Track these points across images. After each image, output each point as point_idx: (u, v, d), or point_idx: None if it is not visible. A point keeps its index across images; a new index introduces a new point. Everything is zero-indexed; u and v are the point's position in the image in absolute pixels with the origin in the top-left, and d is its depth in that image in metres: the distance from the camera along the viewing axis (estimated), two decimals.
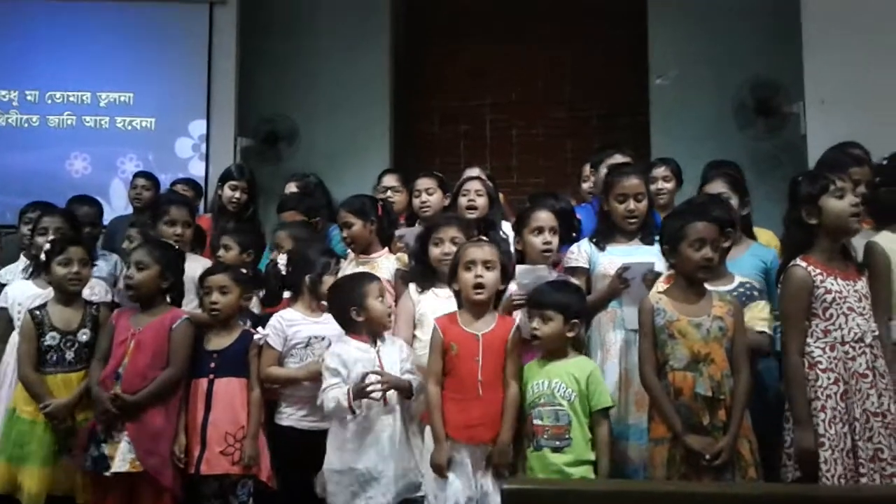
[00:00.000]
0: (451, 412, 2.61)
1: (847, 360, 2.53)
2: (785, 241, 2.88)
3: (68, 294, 3.10)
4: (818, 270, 2.58)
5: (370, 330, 2.78)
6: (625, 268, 2.89)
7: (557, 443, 2.52)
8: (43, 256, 3.15)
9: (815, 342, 2.56)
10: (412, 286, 3.07)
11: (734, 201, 3.14)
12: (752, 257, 3.05)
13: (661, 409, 2.50)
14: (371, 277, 2.88)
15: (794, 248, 2.69)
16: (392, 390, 2.67)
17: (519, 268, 2.94)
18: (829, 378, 2.51)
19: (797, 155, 4.80)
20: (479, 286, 2.67)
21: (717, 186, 3.22)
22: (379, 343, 2.78)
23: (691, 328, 2.51)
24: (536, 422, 2.56)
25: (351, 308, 2.78)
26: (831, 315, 2.56)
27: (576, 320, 2.62)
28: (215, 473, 2.85)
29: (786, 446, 2.58)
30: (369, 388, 2.62)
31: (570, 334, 2.61)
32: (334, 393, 2.66)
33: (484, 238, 2.93)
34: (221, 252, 3.47)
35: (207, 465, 2.85)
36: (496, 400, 2.61)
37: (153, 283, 3.02)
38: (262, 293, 3.30)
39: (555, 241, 3.02)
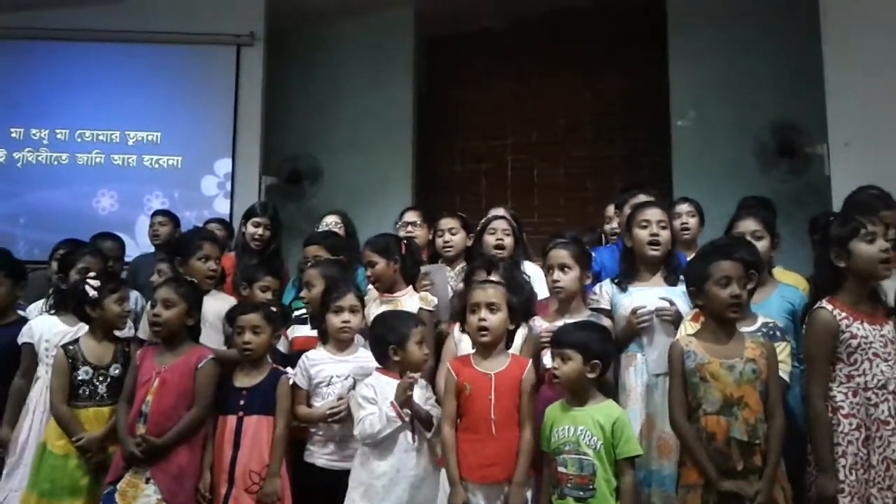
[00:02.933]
0: (465, 453, 2.60)
1: (869, 406, 2.50)
2: (811, 282, 2.86)
3: (112, 330, 3.15)
4: (844, 314, 2.55)
5: (403, 371, 2.77)
6: (639, 307, 2.90)
7: (581, 493, 2.46)
8: (93, 293, 3.15)
9: (837, 387, 2.53)
10: (456, 327, 3.07)
11: (766, 241, 3.13)
12: (779, 298, 3.03)
13: (695, 455, 2.44)
14: (415, 320, 2.88)
15: (821, 289, 2.66)
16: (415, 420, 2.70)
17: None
18: (850, 424, 2.48)
19: (821, 196, 4.78)
20: (482, 329, 2.68)
21: (750, 224, 3.18)
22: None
23: (723, 371, 2.46)
24: (560, 469, 2.50)
25: (390, 346, 2.80)
26: (855, 360, 2.53)
27: (597, 361, 2.54)
28: None
29: (808, 491, 2.54)
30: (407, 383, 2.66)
31: (591, 375, 2.54)
32: (373, 418, 2.68)
33: (490, 280, 2.92)
34: (258, 292, 3.48)
35: (235, 502, 2.84)
36: (511, 439, 2.60)
37: (180, 320, 3.03)
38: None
39: (565, 278, 2.99)
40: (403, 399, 2.66)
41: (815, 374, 2.56)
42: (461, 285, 3.29)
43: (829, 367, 2.54)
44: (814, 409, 2.53)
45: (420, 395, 2.76)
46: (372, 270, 3.34)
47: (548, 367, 2.76)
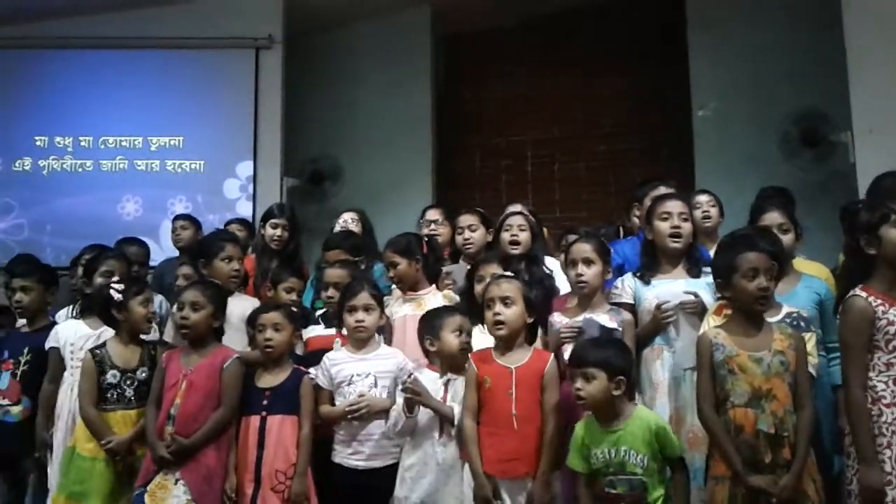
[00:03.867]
0: (486, 447, 2.61)
1: None
2: (843, 270, 2.81)
3: (139, 333, 3.18)
4: (879, 301, 2.50)
5: (443, 362, 2.82)
6: (664, 302, 2.88)
7: None
8: (118, 296, 3.18)
9: (877, 376, 2.47)
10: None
11: (791, 234, 3.10)
12: (806, 289, 3.00)
13: (722, 448, 2.42)
14: (453, 312, 2.91)
15: (853, 277, 2.62)
16: (431, 413, 2.74)
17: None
18: (893, 413, 2.42)
19: (846, 184, 4.71)
20: (497, 323, 2.69)
21: (776, 217, 3.16)
22: (450, 376, 2.81)
23: (751, 363, 2.44)
24: (609, 490, 2.44)
25: (426, 337, 2.85)
26: (894, 347, 2.47)
27: (621, 377, 2.45)
28: None
29: (847, 484, 2.49)
30: (404, 388, 2.71)
31: (616, 392, 2.45)
32: (394, 412, 2.77)
33: (506, 274, 2.92)
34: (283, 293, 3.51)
35: (262, 502, 2.86)
36: (531, 434, 2.60)
37: (207, 322, 3.06)
38: None
39: (589, 272, 2.96)
40: (407, 399, 2.70)
41: (853, 363, 2.50)
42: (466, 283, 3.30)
43: (867, 356, 2.49)
44: (853, 398, 2.47)
45: (460, 390, 2.77)
46: (394, 271, 3.35)
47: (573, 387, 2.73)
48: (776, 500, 2.33)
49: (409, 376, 2.77)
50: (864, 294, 2.52)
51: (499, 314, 2.69)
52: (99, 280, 3.52)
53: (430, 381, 2.80)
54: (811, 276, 3.10)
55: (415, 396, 2.70)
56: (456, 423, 2.71)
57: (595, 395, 2.46)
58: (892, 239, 2.51)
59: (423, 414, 2.75)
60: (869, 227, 2.54)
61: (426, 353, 2.90)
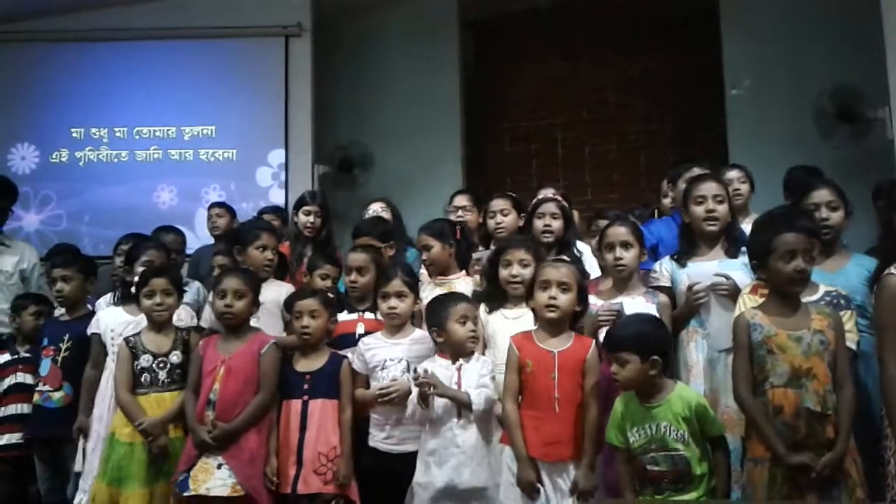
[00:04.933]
0: (528, 430, 2.62)
1: None
2: (880, 246, 2.76)
3: (156, 322, 3.22)
4: None
5: (452, 351, 2.83)
6: (694, 283, 2.87)
7: (680, 485, 2.42)
8: (134, 289, 3.29)
9: None
10: (482, 307, 3.09)
11: (841, 211, 3.03)
12: (856, 266, 2.95)
13: (761, 429, 2.39)
14: (457, 300, 2.90)
15: (887, 254, 2.58)
16: (447, 400, 2.75)
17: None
18: None
19: (884, 161, 4.62)
20: (552, 306, 2.68)
21: (825, 195, 3.06)
22: (462, 361, 2.82)
23: (791, 342, 2.41)
24: (651, 467, 2.43)
25: (432, 329, 2.86)
26: None
27: (656, 357, 2.42)
28: (311, 493, 2.91)
29: (887, 465, 2.46)
30: (418, 383, 2.73)
31: (652, 372, 2.43)
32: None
33: (563, 259, 2.91)
34: (318, 279, 3.54)
35: (305, 484, 2.91)
36: (572, 418, 2.60)
37: (248, 310, 3.11)
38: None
39: (627, 255, 2.96)
40: (420, 394, 2.73)
41: (889, 342, 2.46)
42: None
43: None
44: (888, 376, 2.44)
45: (475, 379, 2.78)
46: (427, 254, 3.36)
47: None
48: (816, 476, 2.31)
49: (424, 370, 2.77)
50: None
51: (555, 298, 2.69)
52: (138, 269, 3.58)
53: (443, 367, 2.80)
54: (862, 255, 3.04)
55: (429, 390, 2.71)
56: (474, 407, 2.71)
57: (630, 378, 2.45)
58: None
59: (440, 400, 2.76)
60: None
61: (436, 342, 2.90)
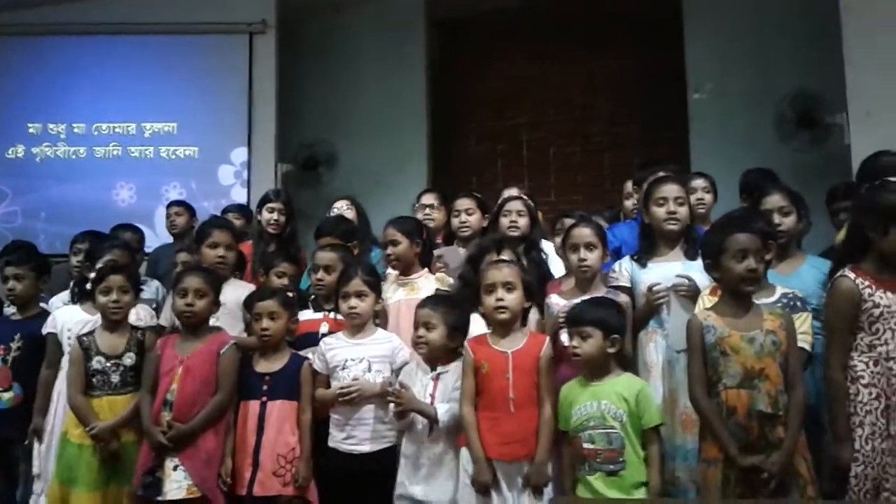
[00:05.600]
0: (485, 431, 2.63)
1: (891, 376, 2.47)
2: (839, 246, 2.80)
3: (112, 321, 3.17)
4: (867, 282, 2.51)
5: (429, 357, 2.84)
6: (655, 284, 2.90)
7: (612, 466, 2.47)
8: (89, 285, 3.23)
9: (858, 356, 2.51)
10: None
11: (793, 216, 3.09)
12: (811, 268, 3.01)
13: (714, 431, 2.42)
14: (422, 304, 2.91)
15: (846, 255, 2.61)
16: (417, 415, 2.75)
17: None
18: (870, 393, 2.46)
19: (842, 167, 4.70)
20: (500, 308, 2.69)
21: (777, 200, 3.13)
22: (440, 369, 2.81)
23: (744, 343, 2.44)
24: (587, 445, 2.50)
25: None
26: (877, 329, 2.50)
27: (616, 335, 2.57)
28: (268, 495, 2.88)
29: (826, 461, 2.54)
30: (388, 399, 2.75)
31: (611, 350, 2.57)
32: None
33: (504, 259, 2.92)
34: (274, 278, 3.51)
35: (261, 486, 2.88)
36: (529, 417, 2.61)
37: (209, 309, 3.08)
38: None
39: (591, 256, 2.99)
40: (397, 412, 2.75)
41: (835, 344, 2.53)
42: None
43: (850, 337, 2.52)
44: (831, 378, 2.51)
45: (449, 383, 2.77)
46: (394, 249, 3.34)
47: (566, 344, 2.77)
48: (768, 476, 2.34)
49: (398, 384, 2.76)
50: (851, 275, 2.53)
51: (501, 299, 2.70)
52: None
53: (423, 373, 2.82)
54: (816, 257, 3.09)
55: (400, 408, 2.72)
56: (440, 423, 2.71)
57: (591, 352, 2.55)
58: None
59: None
60: (884, 214, 2.50)
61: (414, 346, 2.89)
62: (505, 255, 3.06)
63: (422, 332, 2.80)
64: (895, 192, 2.56)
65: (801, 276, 2.95)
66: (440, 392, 2.78)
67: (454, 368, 2.80)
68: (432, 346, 2.79)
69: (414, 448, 2.77)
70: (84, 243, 3.95)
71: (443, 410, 2.72)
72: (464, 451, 2.68)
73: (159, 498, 2.85)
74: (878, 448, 2.40)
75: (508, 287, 2.71)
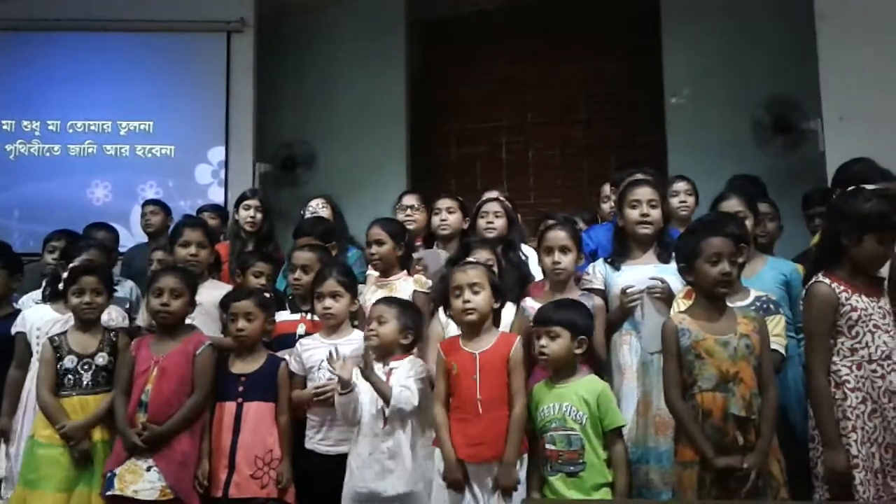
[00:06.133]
0: (455, 432, 2.64)
1: (875, 378, 2.48)
2: (814, 251, 2.83)
3: (84, 321, 3.13)
4: (842, 287, 2.53)
5: (381, 352, 2.83)
6: (628, 286, 2.91)
7: (572, 468, 2.48)
8: (61, 285, 3.19)
9: (841, 360, 2.51)
10: (441, 310, 3.07)
11: (749, 221, 3.13)
12: (771, 270, 3.04)
13: (690, 434, 2.43)
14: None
15: (821, 260, 2.64)
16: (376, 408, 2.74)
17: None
18: (857, 397, 2.46)
19: (816, 172, 4.76)
20: (468, 310, 2.70)
21: (734, 204, 3.20)
22: (393, 364, 2.81)
23: (718, 347, 2.45)
24: (549, 446, 2.53)
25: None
26: (857, 333, 2.51)
27: (583, 336, 2.59)
28: (244, 497, 2.86)
29: (812, 467, 2.53)
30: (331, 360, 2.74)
31: (578, 351, 2.58)
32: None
33: (470, 261, 2.92)
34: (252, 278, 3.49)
35: (237, 488, 2.86)
36: (498, 418, 2.61)
37: (185, 309, 3.05)
38: None
39: (565, 259, 3.00)
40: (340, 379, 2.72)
41: (816, 349, 2.53)
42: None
43: (830, 341, 2.52)
44: (816, 383, 2.51)
45: (403, 373, 2.77)
46: (378, 249, 3.34)
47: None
48: (743, 476, 2.35)
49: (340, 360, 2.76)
50: (827, 280, 2.55)
51: (469, 301, 2.70)
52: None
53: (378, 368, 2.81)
54: (777, 259, 3.13)
55: (363, 366, 2.70)
56: (392, 402, 2.69)
57: (559, 352, 2.56)
58: (870, 250, 2.52)
59: (366, 406, 2.76)
60: (859, 224, 2.52)
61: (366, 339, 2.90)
62: (483, 257, 3.06)
63: (374, 325, 2.84)
64: (869, 201, 2.57)
65: (763, 278, 2.98)
66: (393, 383, 2.75)
67: (406, 363, 2.81)
68: (383, 339, 2.82)
69: (366, 445, 2.74)
70: (59, 241, 3.91)
71: (397, 390, 2.70)
72: (437, 452, 2.69)
73: (127, 494, 2.80)
74: (870, 452, 2.41)
75: (475, 288, 2.71)
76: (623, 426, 2.59)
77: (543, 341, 2.58)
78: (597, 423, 2.52)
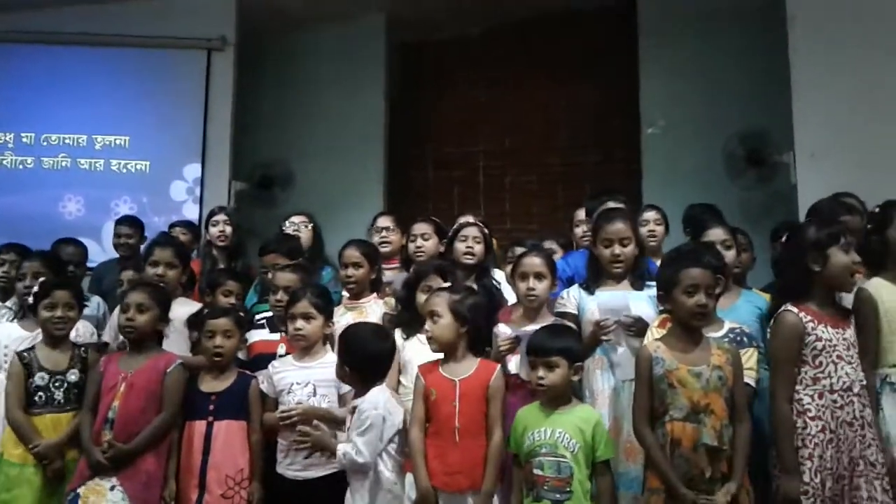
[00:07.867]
0: (431, 458, 2.60)
1: (835, 408, 2.53)
2: (779, 284, 2.88)
3: (55, 337, 3.08)
4: (809, 317, 2.58)
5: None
6: (603, 320, 2.92)
7: (558, 495, 2.45)
8: (31, 300, 3.14)
9: (804, 389, 2.56)
10: (398, 332, 3.07)
11: (733, 251, 3.17)
12: (747, 303, 3.07)
13: (656, 463, 2.44)
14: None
15: (787, 292, 2.68)
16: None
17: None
18: (817, 426, 2.51)
19: (788, 205, 4.82)
20: (429, 338, 2.70)
21: (720, 234, 3.21)
22: (356, 403, 2.69)
23: (691, 377, 2.46)
24: (537, 471, 2.49)
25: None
26: (821, 363, 2.56)
27: (579, 363, 2.59)
28: None
29: (775, 493, 2.56)
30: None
31: (574, 378, 2.58)
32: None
33: (429, 287, 2.92)
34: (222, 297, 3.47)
35: None
36: (475, 447, 2.59)
37: (152, 324, 3.01)
38: None
39: (540, 286, 3.00)
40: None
41: (781, 377, 2.58)
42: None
43: (795, 370, 2.57)
44: (778, 410, 2.55)
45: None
46: (354, 272, 3.35)
47: (513, 372, 2.76)
48: None
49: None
50: (795, 310, 2.60)
51: (427, 330, 2.70)
52: (19, 284, 3.44)
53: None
54: (753, 292, 3.16)
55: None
56: (337, 463, 2.62)
57: (558, 382, 2.53)
58: (838, 262, 2.58)
59: None
60: (818, 244, 2.60)
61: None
62: (436, 283, 3.04)
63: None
64: (816, 225, 2.70)
65: (738, 310, 3.01)
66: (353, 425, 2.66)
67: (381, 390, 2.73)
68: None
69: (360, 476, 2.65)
70: (9, 254, 3.79)
71: (341, 452, 2.59)
72: (409, 477, 2.65)
73: None
74: (824, 480, 2.44)
75: (434, 317, 2.70)
76: (612, 457, 2.57)
77: (542, 372, 2.53)
78: (588, 454, 2.49)
